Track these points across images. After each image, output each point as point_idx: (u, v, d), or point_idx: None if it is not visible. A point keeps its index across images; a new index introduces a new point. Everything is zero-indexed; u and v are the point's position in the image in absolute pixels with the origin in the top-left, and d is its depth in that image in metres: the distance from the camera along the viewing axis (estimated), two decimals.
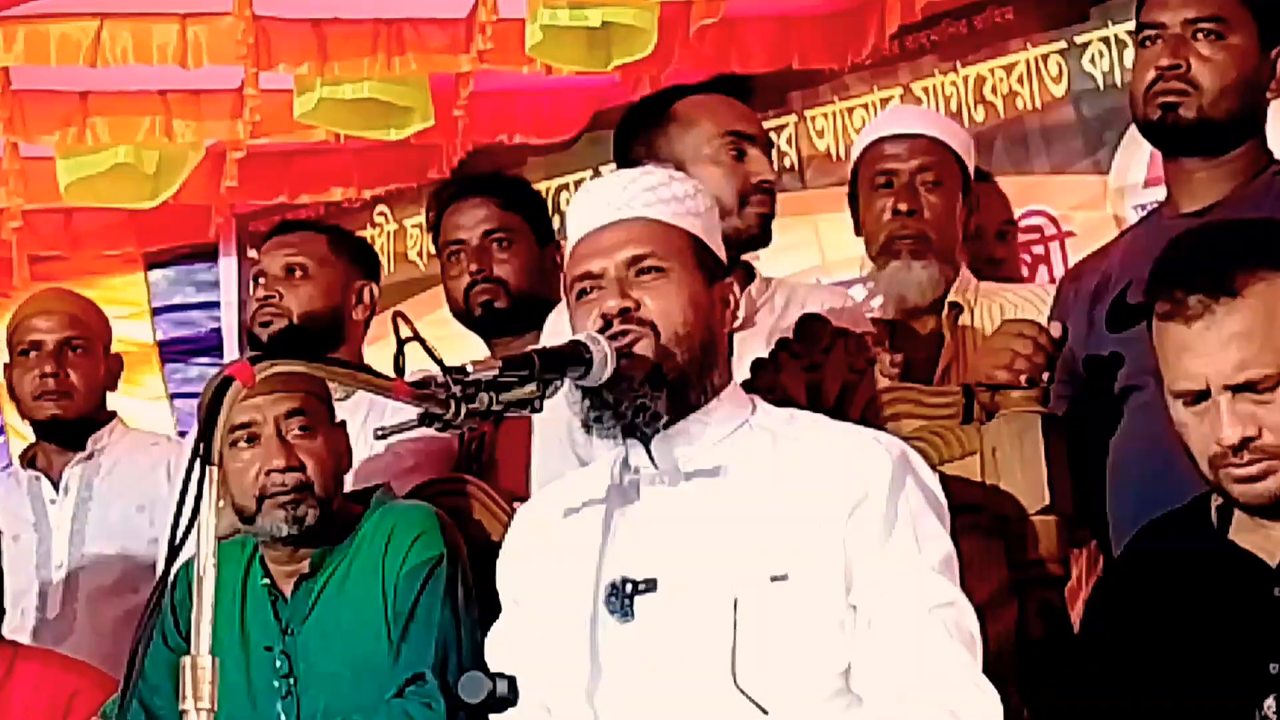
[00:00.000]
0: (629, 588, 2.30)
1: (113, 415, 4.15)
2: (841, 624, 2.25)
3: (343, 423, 3.03)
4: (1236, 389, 2.18)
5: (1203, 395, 2.20)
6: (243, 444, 2.86)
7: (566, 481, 2.48)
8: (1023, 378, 2.57)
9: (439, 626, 2.74)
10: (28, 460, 4.15)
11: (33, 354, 4.02)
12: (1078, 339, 2.80)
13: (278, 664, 2.81)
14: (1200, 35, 2.78)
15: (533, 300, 3.50)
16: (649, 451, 2.36)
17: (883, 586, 2.24)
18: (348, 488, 3.03)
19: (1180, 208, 2.78)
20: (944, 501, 2.33)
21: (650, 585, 2.30)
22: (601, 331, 2.30)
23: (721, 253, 2.44)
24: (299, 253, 3.63)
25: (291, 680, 2.81)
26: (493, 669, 2.39)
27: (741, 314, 2.48)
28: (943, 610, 2.22)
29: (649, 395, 2.30)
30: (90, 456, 4.05)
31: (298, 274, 3.61)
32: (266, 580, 2.89)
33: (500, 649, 2.44)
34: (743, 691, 2.23)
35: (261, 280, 3.65)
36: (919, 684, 2.19)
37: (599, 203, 2.42)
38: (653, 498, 2.36)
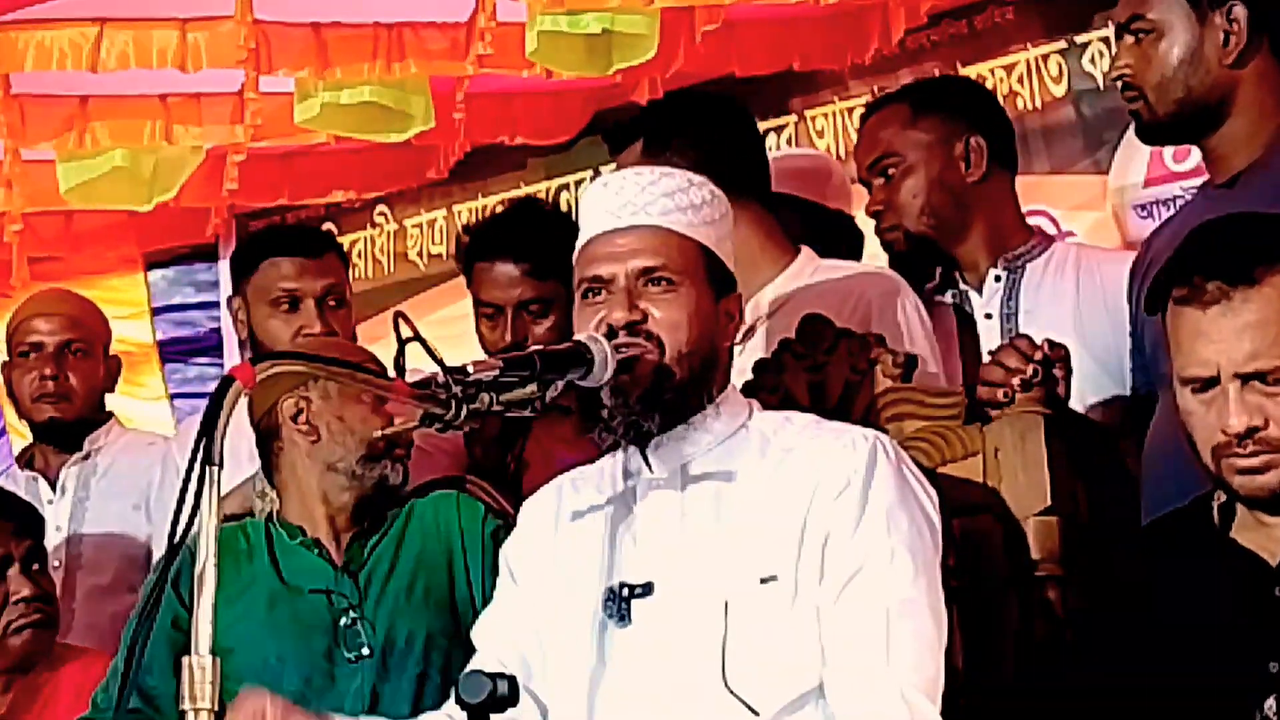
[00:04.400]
0: (625, 592, 2.31)
1: (110, 416, 4.15)
2: None
3: None
4: (1246, 378, 2.18)
5: (1212, 383, 2.20)
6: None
7: (574, 479, 2.49)
8: (1004, 394, 2.57)
9: None
10: (25, 461, 4.16)
11: (33, 355, 4.02)
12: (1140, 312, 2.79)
13: (335, 600, 2.88)
14: (1133, 37, 2.77)
15: None
16: (645, 457, 2.36)
17: (843, 582, 2.25)
18: None
19: (1214, 180, 2.79)
20: (921, 491, 2.34)
21: (646, 589, 2.31)
22: (606, 339, 2.30)
23: (730, 263, 2.44)
24: (339, 282, 3.57)
25: (359, 612, 2.87)
26: (477, 641, 2.44)
27: (744, 329, 2.48)
28: (898, 610, 2.23)
29: (641, 414, 2.31)
30: (87, 457, 4.06)
31: (337, 307, 3.56)
32: (300, 539, 2.94)
33: (491, 624, 2.46)
34: (734, 693, 2.24)
35: (295, 306, 3.54)
36: (851, 688, 2.22)
37: (617, 202, 2.39)
38: (650, 502, 2.37)
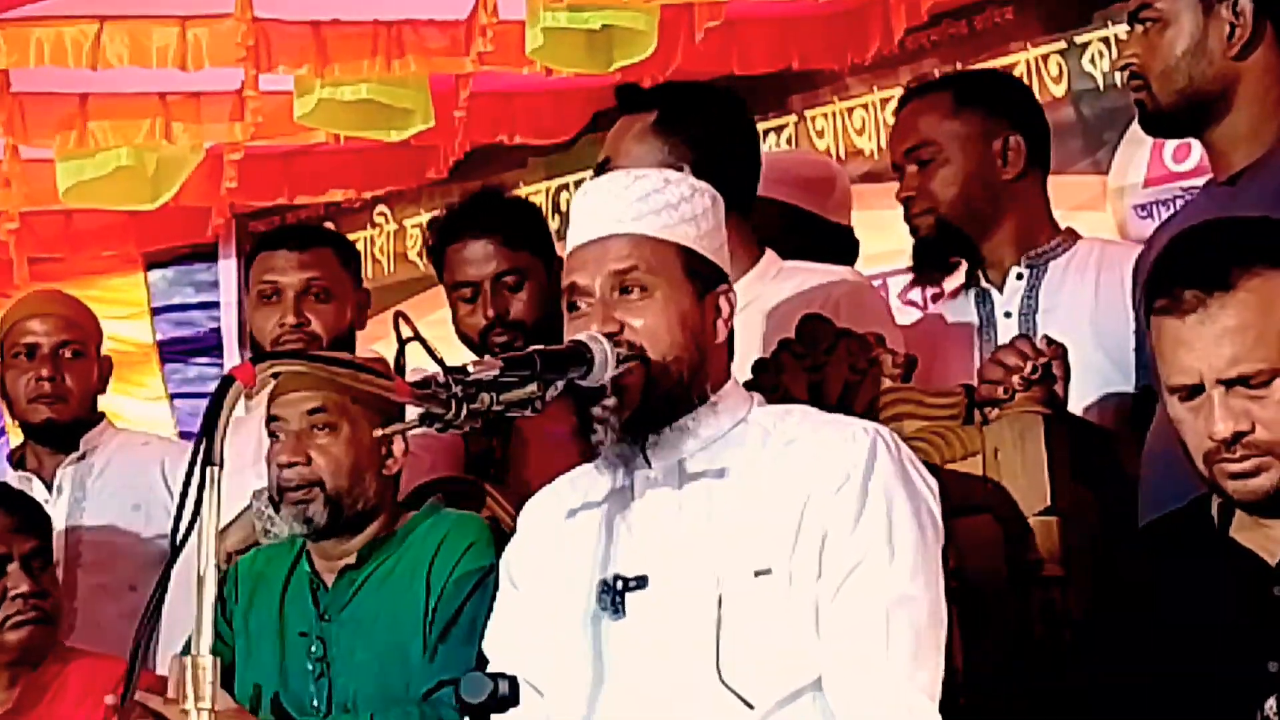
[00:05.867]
0: (620, 584, 2.32)
1: (102, 416, 4.16)
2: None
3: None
4: (1229, 384, 2.18)
5: (1197, 390, 2.20)
6: (276, 437, 2.95)
7: (573, 478, 2.49)
8: (1004, 391, 2.57)
9: (480, 634, 2.76)
10: (16, 461, 4.15)
11: (28, 357, 4.02)
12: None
13: (313, 648, 2.87)
14: (1141, 26, 2.78)
15: (549, 330, 3.48)
16: (644, 452, 2.36)
17: (843, 576, 2.25)
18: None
19: (1216, 178, 2.79)
20: (923, 484, 2.33)
21: (641, 582, 2.32)
22: None
23: (723, 255, 2.43)
24: (322, 274, 3.59)
25: (325, 664, 2.86)
26: (488, 653, 2.45)
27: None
28: (896, 606, 2.23)
29: (630, 439, 2.32)
30: (83, 457, 4.05)
31: (321, 298, 3.58)
32: (309, 570, 2.95)
33: (497, 634, 2.47)
34: (728, 686, 2.24)
35: (277, 299, 3.59)
36: (849, 684, 2.23)
37: (591, 212, 2.40)
38: (648, 496, 2.37)
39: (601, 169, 3.07)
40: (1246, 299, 2.18)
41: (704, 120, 3.07)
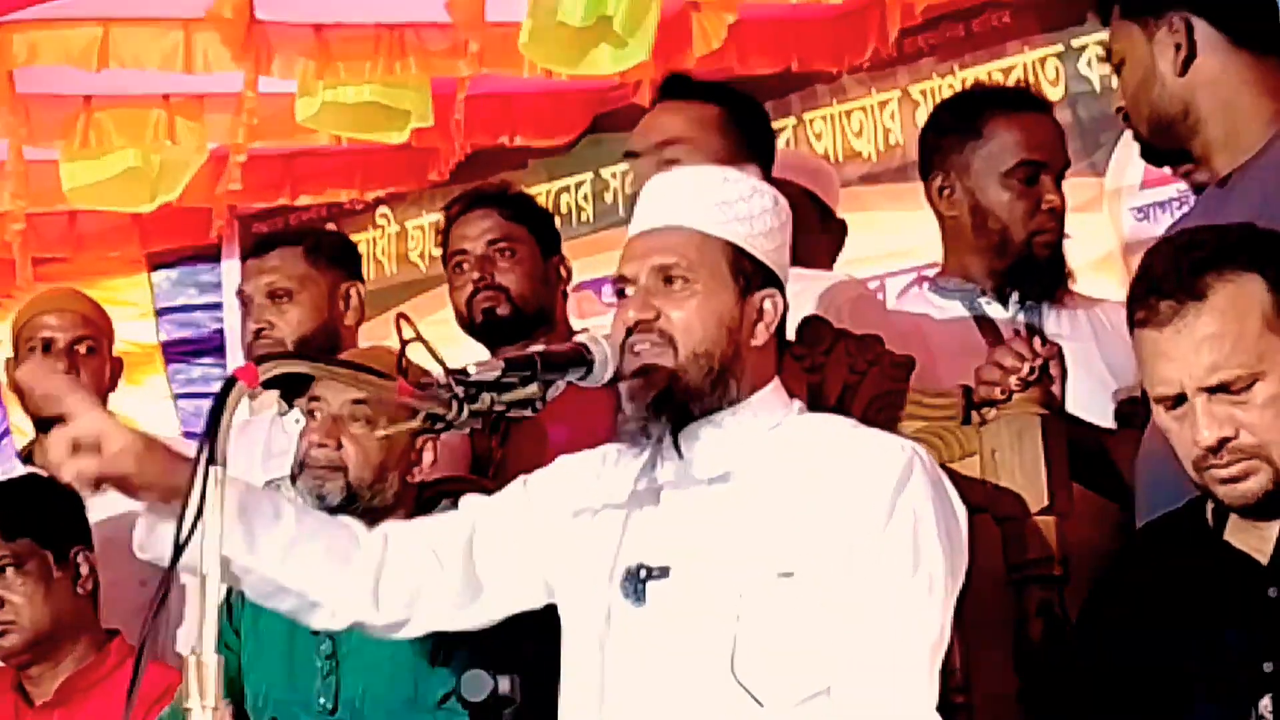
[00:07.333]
0: (643, 573, 2.33)
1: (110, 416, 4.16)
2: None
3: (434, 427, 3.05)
4: (1211, 390, 2.19)
5: (1181, 399, 2.22)
6: (313, 415, 2.96)
7: (611, 452, 2.48)
8: (1002, 392, 2.58)
9: (492, 639, 2.77)
10: (25, 456, 4.16)
11: (43, 351, 4.03)
12: None
13: (323, 646, 2.87)
14: (1116, 70, 2.77)
15: (535, 309, 3.51)
16: (676, 444, 2.38)
17: (864, 588, 2.26)
18: None
19: (1211, 181, 2.78)
20: (953, 507, 2.34)
21: (664, 572, 2.33)
22: (625, 338, 2.32)
23: (780, 258, 2.43)
24: (280, 275, 3.63)
25: (334, 662, 2.86)
26: (462, 505, 2.49)
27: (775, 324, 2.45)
28: (916, 622, 2.25)
29: (650, 418, 2.33)
30: None
31: (283, 299, 3.61)
32: None
33: (481, 506, 2.50)
34: (740, 683, 2.25)
35: (249, 309, 3.65)
36: (856, 699, 2.24)
37: (650, 204, 2.43)
38: (677, 489, 2.38)
39: (631, 154, 3.14)
40: (1220, 305, 2.20)
41: (759, 126, 3.11)
